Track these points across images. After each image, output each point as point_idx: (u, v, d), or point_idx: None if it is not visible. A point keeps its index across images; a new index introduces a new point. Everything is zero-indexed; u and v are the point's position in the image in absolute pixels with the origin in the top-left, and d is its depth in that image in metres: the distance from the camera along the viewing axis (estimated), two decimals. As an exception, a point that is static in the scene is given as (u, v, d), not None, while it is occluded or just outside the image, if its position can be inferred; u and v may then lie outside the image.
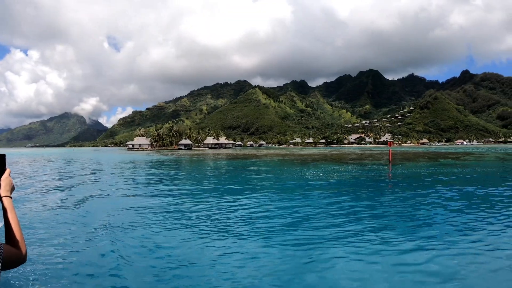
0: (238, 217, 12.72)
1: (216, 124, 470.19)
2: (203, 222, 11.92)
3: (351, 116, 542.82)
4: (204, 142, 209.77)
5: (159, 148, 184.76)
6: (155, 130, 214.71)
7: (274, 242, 9.41)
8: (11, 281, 6.79)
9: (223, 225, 11.44)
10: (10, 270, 2.89)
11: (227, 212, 13.77)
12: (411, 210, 13.69)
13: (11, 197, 2.19)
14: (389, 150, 48.68)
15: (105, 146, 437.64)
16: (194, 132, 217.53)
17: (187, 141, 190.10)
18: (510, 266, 7.44)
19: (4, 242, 1.96)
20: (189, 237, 9.99)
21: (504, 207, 13.98)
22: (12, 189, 2.28)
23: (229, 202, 16.16)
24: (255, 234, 10.27)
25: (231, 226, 11.37)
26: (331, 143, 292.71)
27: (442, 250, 8.38)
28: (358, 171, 33.51)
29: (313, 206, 14.85)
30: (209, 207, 14.90)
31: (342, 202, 15.70)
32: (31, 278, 6.98)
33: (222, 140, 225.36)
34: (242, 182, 25.14)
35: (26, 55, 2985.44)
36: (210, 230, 10.81)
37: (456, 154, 73.37)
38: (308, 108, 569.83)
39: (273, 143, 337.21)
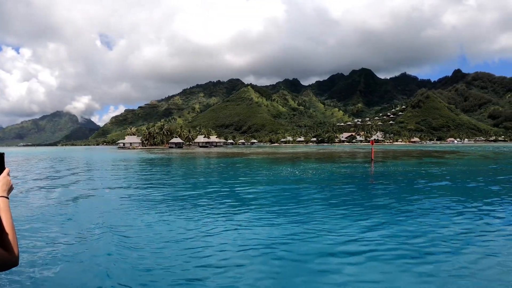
0: (203, 210, 13.09)
1: (209, 122, 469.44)
2: (177, 216, 12.21)
3: (343, 115, 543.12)
4: (195, 140, 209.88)
5: (150, 147, 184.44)
6: (146, 129, 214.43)
7: (225, 238, 9.55)
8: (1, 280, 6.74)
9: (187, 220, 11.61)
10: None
11: (191, 205, 13.96)
12: (371, 208, 13.83)
13: (7, 198, 2.12)
14: (371, 149, 48.97)
15: (97, 144, 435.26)
16: (185, 131, 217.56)
17: (178, 140, 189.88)
18: (443, 269, 7.35)
19: None
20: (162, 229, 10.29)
21: (464, 207, 14.13)
22: (10, 189, 2.21)
23: (196, 197, 16.34)
24: (211, 228, 10.43)
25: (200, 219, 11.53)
26: (322, 141, 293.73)
27: (380, 252, 8.47)
28: (336, 168, 33.63)
29: (272, 201, 15.05)
30: (183, 202, 15.06)
31: (304, 199, 15.84)
32: (20, 277, 6.95)
33: (213, 138, 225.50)
34: (218, 178, 25.32)
35: (18, 53, 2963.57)
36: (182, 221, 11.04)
37: (442, 152, 73.86)
38: (301, 107, 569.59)
39: (265, 142, 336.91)
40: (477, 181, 22.46)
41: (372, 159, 45.37)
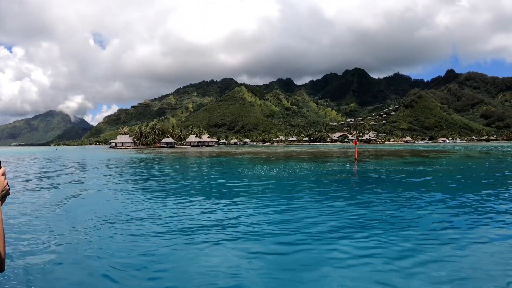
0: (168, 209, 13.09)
1: (202, 122, 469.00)
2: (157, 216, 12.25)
3: (337, 114, 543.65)
4: (187, 140, 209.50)
5: (142, 147, 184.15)
6: (138, 128, 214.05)
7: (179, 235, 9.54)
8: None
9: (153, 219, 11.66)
10: None
11: (153, 206, 14.02)
12: (330, 209, 13.81)
13: (0, 201, 1.99)
14: (355, 148, 48.98)
15: (90, 144, 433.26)
16: (176, 130, 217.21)
17: (170, 139, 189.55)
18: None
19: None
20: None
21: (427, 207, 14.23)
22: (4, 192, 2.03)
23: (162, 196, 16.37)
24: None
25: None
26: (314, 141, 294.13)
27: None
28: (316, 167, 33.75)
29: (234, 198, 15.06)
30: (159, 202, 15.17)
31: (268, 197, 15.83)
32: (11, 279, 6.81)
33: (205, 138, 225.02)
34: (194, 176, 25.35)
35: (11, 52, 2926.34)
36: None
37: (429, 152, 74.26)
38: (294, 106, 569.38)
39: (257, 141, 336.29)
40: (449, 180, 22.61)
41: (355, 159, 45.54)
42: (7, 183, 2.06)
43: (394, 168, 33.09)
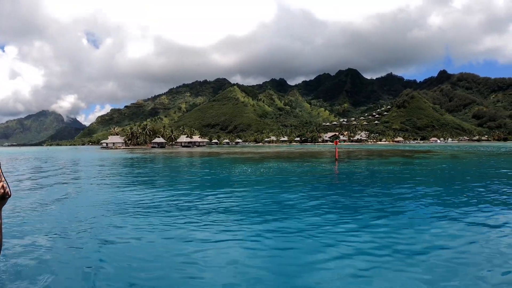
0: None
1: (195, 122, 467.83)
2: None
3: (329, 115, 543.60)
4: (178, 140, 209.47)
5: (133, 147, 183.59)
6: (129, 128, 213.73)
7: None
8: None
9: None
10: None
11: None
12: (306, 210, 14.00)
13: None
14: (335, 149, 49.14)
15: (83, 144, 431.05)
16: (167, 131, 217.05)
17: (161, 140, 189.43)
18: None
19: None
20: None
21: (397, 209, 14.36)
22: (2, 193, 1.90)
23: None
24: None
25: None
26: (305, 141, 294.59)
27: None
28: (294, 167, 33.87)
29: (199, 193, 15.20)
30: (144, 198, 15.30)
31: (230, 197, 15.96)
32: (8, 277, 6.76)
33: (196, 138, 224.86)
34: (171, 174, 25.43)
35: (3, 51, 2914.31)
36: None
37: (415, 152, 74.74)
38: (287, 107, 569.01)
39: (249, 142, 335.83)
40: (418, 181, 22.89)
41: (336, 159, 45.80)
42: (7, 185, 1.99)
43: (372, 168, 33.37)
